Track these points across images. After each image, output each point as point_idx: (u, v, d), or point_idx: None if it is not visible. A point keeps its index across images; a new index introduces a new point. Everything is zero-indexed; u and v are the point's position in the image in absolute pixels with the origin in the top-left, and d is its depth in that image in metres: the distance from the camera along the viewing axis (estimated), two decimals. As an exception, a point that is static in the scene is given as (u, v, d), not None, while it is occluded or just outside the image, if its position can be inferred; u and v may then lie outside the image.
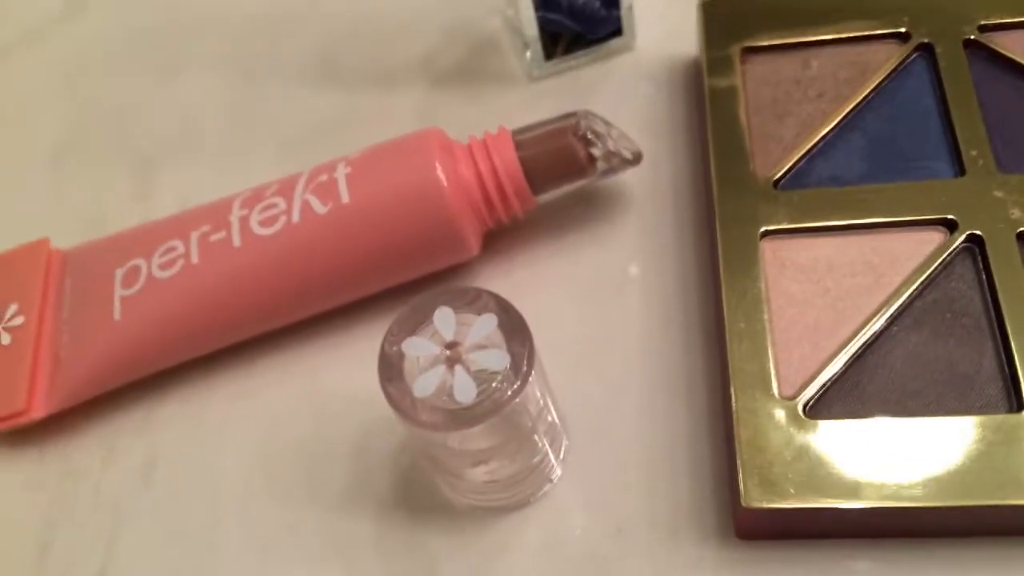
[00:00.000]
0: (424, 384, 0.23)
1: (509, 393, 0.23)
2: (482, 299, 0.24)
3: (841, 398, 0.25)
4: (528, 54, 0.35)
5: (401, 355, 0.23)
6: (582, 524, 0.27)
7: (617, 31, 0.35)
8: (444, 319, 0.24)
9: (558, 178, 0.30)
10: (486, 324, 0.24)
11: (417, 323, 0.24)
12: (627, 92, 0.35)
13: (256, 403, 0.30)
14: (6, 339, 0.31)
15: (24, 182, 0.39)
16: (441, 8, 0.39)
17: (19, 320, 0.32)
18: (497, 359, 0.23)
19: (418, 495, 0.28)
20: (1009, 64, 0.30)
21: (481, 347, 0.23)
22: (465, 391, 0.23)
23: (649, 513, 0.26)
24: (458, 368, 0.23)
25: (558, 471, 0.28)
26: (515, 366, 0.23)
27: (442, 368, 0.23)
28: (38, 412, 0.30)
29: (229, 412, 0.30)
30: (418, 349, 0.23)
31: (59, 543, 0.29)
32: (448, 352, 0.23)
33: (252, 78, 0.40)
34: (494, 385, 0.23)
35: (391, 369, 0.23)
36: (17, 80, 0.43)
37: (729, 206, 0.28)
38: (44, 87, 0.42)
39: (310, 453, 0.29)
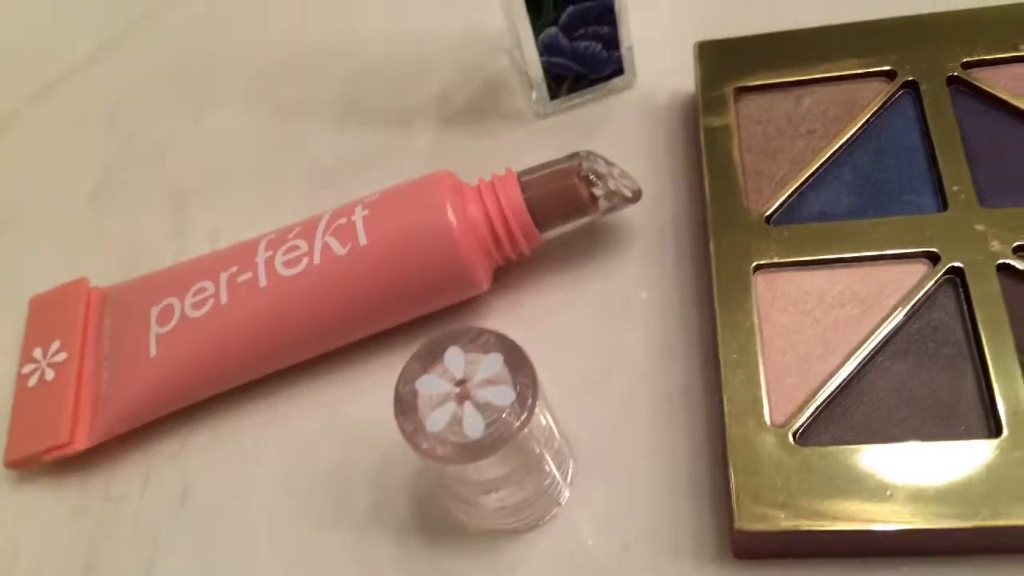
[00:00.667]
0: (436, 419, 0.25)
1: (516, 425, 0.25)
2: (484, 337, 0.26)
3: (829, 425, 0.27)
4: (534, 94, 0.37)
5: (415, 393, 0.25)
6: (589, 544, 0.28)
7: (618, 71, 0.37)
8: (454, 358, 0.26)
9: (562, 216, 0.32)
10: (493, 362, 0.25)
11: (429, 362, 0.26)
12: (628, 128, 0.37)
13: (283, 432, 0.32)
14: (50, 374, 0.34)
15: (63, 221, 0.41)
16: (454, 49, 0.41)
17: (62, 356, 0.34)
18: (504, 394, 0.25)
19: (435, 518, 0.30)
20: (991, 99, 0.31)
21: (489, 383, 0.25)
22: (474, 426, 0.24)
23: (652, 533, 0.28)
24: (467, 404, 0.25)
25: (566, 493, 0.29)
26: (521, 400, 0.25)
27: (453, 404, 0.25)
28: (81, 444, 0.32)
29: (258, 440, 0.32)
30: (430, 387, 0.25)
31: (103, 566, 0.31)
32: (458, 389, 0.25)
33: (279, 116, 0.42)
34: (502, 417, 0.25)
35: (405, 406, 0.25)
36: (55, 120, 0.45)
37: (724, 241, 0.30)
38: (81, 127, 0.44)
39: (334, 479, 0.31)
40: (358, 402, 0.32)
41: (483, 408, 0.25)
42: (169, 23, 0.48)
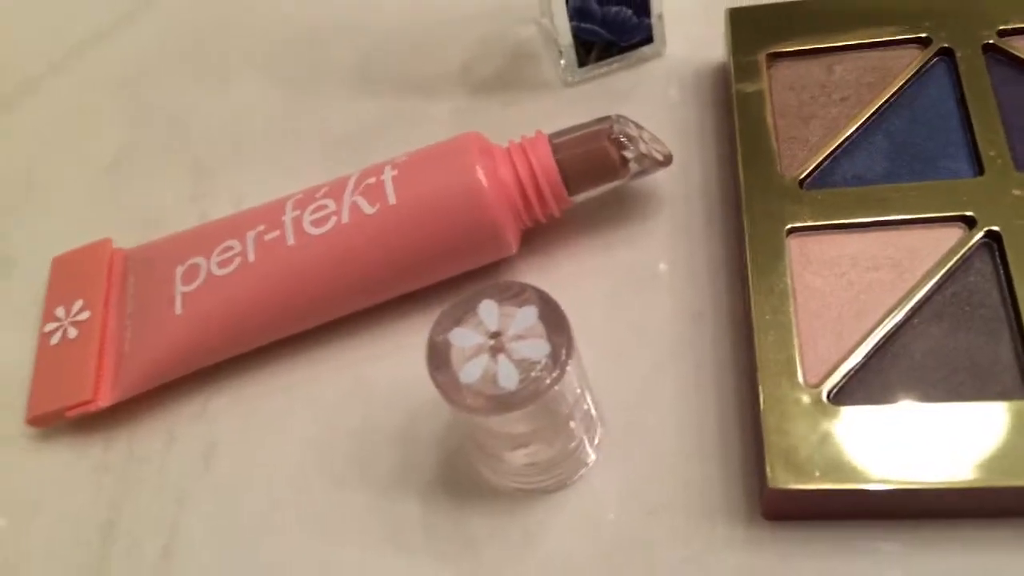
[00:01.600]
0: (470, 371, 0.25)
1: (548, 381, 0.24)
2: (525, 292, 0.25)
3: (864, 386, 0.26)
4: (562, 61, 0.37)
5: (448, 344, 0.25)
6: (617, 506, 0.28)
7: (648, 39, 0.37)
8: (488, 311, 0.25)
9: (592, 179, 0.31)
10: (528, 316, 0.25)
11: (463, 314, 0.26)
12: (658, 97, 0.37)
13: (308, 392, 0.32)
14: (73, 333, 0.33)
15: (85, 186, 0.41)
16: (479, 19, 0.41)
17: (85, 315, 0.34)
18: (538, 348, 0.25)
19: (462, 478, 0.29)
20: (1028, 67, 0.31)
21: (523, 337, 0.25)
22: (509, 378, 0.24)
23: (680, 496, 0.28)
24: (501, 356, 0.25)
25: (593, 456, 0.29)
26: (554, 355, 0.25)
27: (486, 356, 0.25)
28: (104, 401, 0.32)
29: (282, 401, 0.32)
30: (464, 339, 0.25)
31: (124, 522, 0.31)
32: (492, 341, 0.25)
33: (300, 86, 0.42)
34: (534, 373, 0.24)
35: (439, 357, 0.25)
36: (77, 89, 0.45)
37: (757, 205, 0.30)
38: (102, 95, 0.44)
39: (360, 439, 0.31)
40: (384, 364, 0.32)
41: (517, 361, 0.25)
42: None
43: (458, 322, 0.25)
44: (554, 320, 0.25)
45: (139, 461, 0.32)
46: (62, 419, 0.32)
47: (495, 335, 0.25)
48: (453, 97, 0.39)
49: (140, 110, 0.43)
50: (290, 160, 0.39)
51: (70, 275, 0.35)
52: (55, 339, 0.33)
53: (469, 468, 0.29)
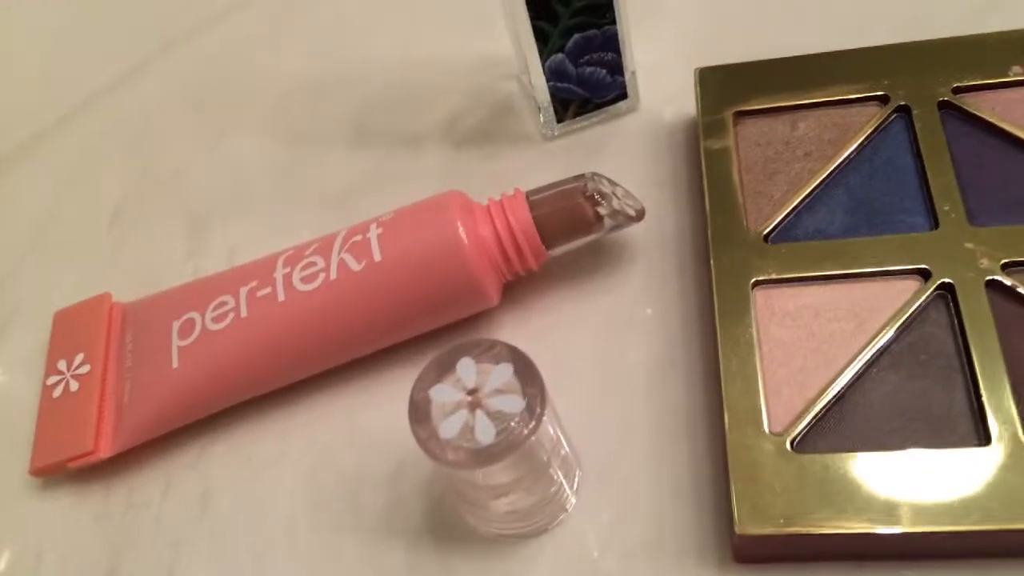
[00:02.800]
0: (449, 426, 0.26)
1: (525, 432, 0.26)
2: (497, 348, 0.27)
3: (825, 434, 0.28)
4: (541, 117, 0.39)
5: (428, 401, 0.27)
6: (595, 549, 0.29)
7: (622, 95, 0.39)
8: (466, 368, 0.27)
9: (568, 234, 0.33)
10: (503, 372, 0.27)
11: (442, 372, 0.27)
12: (632, 150, 0.38)
13: (300, 440, 0.34)
14: (74, 386, 0.35)
15: (85, 242, 0.42)
16: (464, 74, 0.43)
17: (85, 368, 0.35)
18: (513, 403, 0.26)
19: (447, 523, 0.31)
20: (980, 123, 0.33)
21: (499, 392, 0.26)
22: (485, 432, 0.26)
23: (655, 539, 0.29)
24: (479, 412, 0.26)
25: (573, 500, 0.30)
26: (530, 408, 0.26)
27: (465, 412, 0.26)
28: (105, 452, 0.33)
29: (275, 449, 0.34)
30: (443, 395, 0.27)
31: (125, 569, 0.32)
32: (470, 398, 0.26)
33: (293, 141, 0.43)
34: (511, 425, 0.26)
35: (420, 413, 0.26)
36: (77, 144, 0.47)
37: (724, 258, 0.31)
38: (103, 151, 0.46)
39: (349, 485, 0.32)
40: (373, 412, 0.34)
41: (494, 416, 0.26)
42: (187, 53, 0.49)
43: (438, 379, 0.27)
44: (527, 374, 0.26)
45: (138, 508, 0.33)
46: (64, 470, 0.34)
47: (472, 391, 0.26)
48: (439, 150, 0.41)
49: (139, 165, 0.45)
50: (282, 215, 0.41)
51: (71, 329, 0.37)
52: (57, 392, 0.35)
53: (454, 514, 0.31)
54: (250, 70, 0.47)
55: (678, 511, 0.29)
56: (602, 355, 0.33)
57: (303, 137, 0.43)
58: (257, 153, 0.43)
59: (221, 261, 0.39)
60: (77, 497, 0.34)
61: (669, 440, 0.31)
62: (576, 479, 0.31)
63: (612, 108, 0.39)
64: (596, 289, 0.35)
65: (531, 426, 0.26)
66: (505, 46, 0.39)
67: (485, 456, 0.26)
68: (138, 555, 0.32)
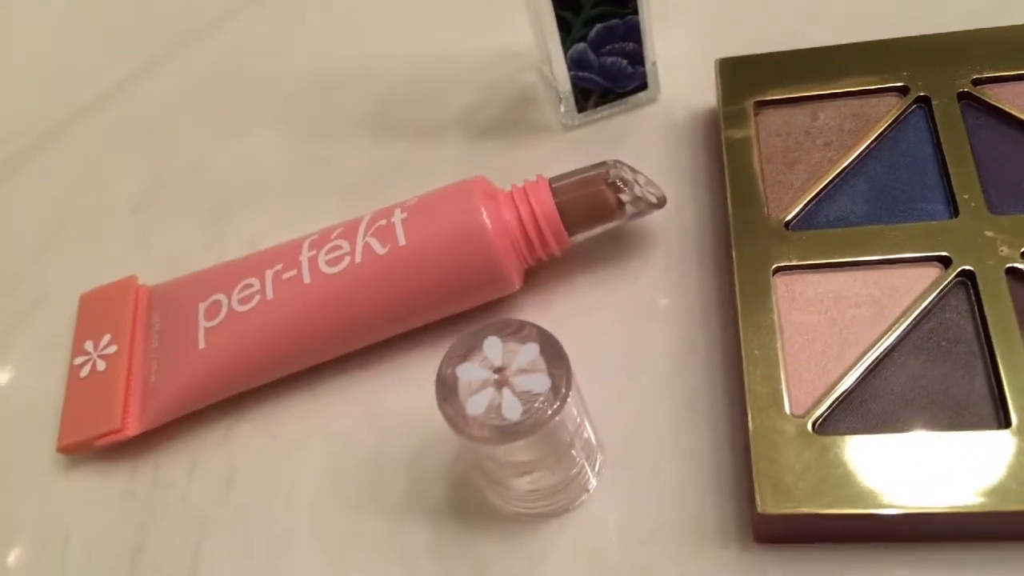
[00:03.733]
0: (476, 403, 0.26)
1: (550, 412, 0.26)
2: (526, 329, 0.27)
3: (846, 417, 0.28)
4: (562, 107, 0.39)
5: (456, 378, 0.27)
6: (616, 530, 0.30)
7: (643, 86, 0.39)
8: (493, 347, 0.27)
9: (591, 221, 0.33)
10: (530, 351, 0.27)
11: (469, 350, 0.27)
12: (652, 140, 0.39)
13: (323, 421, 0.34)
14: (101, 365, 0.35)
15: (109, 229, 0.43)
16: (484, 67, 0.43)
17: (112, 349, 0.36)
18: (539, 382, 0.26)
19: (469, 503, 0.31)
20: (999, 114, 0.33)
21: (525, 371, 0.27)
22: (512, 409, 0.26)
23: (677, 520, 0.29)
24: (505, 390, 0.26)
25: (594, 482, 0.31)
26: (555, 388, 0.26)
27: (491, 390, 0.27)
28: (132, 430, 0.34)
29: (299, 430, 0.34)
30: (470, 373, 0.27)
31: (151, 547, 0.33)
32: (496, 376, 0.27)
33: (312, 135, 0.44)
34: (536, 405, 0.26)
35: (447, 390, 0.27)
36: (100, 135, 0.47)
37: (745, 245, 0.32)
38: (127, 141, 0.46)
39: (372, 466, 0.33)
40: (396, 394, 0.34)
41: (520, 394, 0.26)
42: (204, 49, 0.50)
43: (465, 357, 0.27)
44: (554, 355, 0.27)
45: (164, 487, 0.34)
46: (91, 448, 0.34)
47: (499, 370, 0.27)
48: (460, 141, 0.41)
49: (162, 155, 0.45)
50: (303, 204, 0.41)
51: (98, 311, 0.37)
52: (84, 371, 0.35)
53: (476, 494, 0.31)
54: (267, 65, 0.48)
55: (699, 493, 0.30)
56: (623, 341, 0.34)
57: (322, 131, 0.44)
58: (276, 147, 0.44)
59: (244, 249, 0.40)
60: (104, 475, 0.35)
61: (689, 424, 0.31)
62: (598, 462, 0.31)
63: (632, 98, 0.39)
64: (617, 276, 0.35)
65: (556, 405, 0.26)
66: (523, 38, 0.40)
67: (511, 433, 0.26)
68: (164, 533, 0.33)
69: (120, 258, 0.41)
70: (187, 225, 0.42)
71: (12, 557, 0.33)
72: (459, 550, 0.30)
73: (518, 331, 0.27)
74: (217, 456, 0.34)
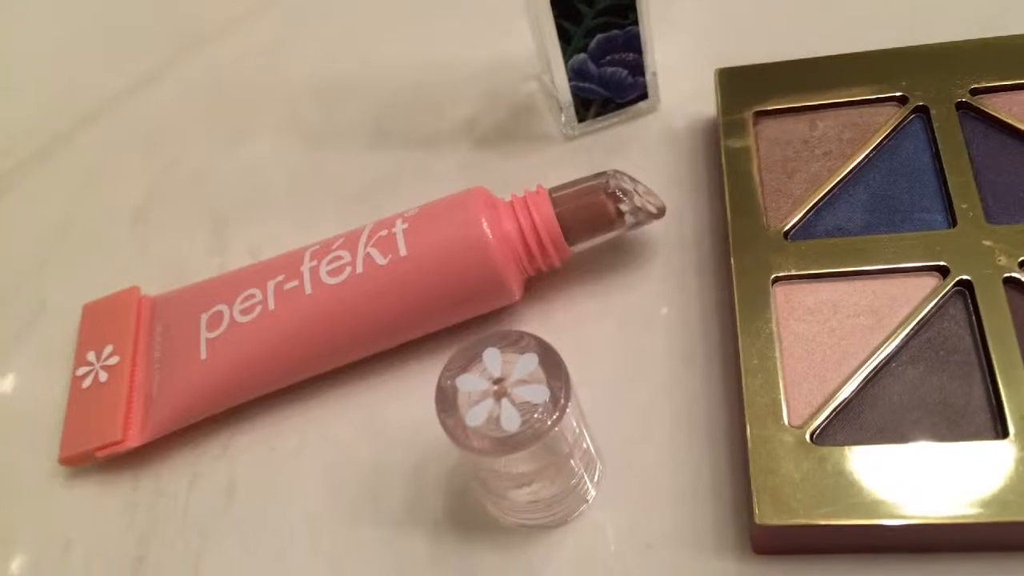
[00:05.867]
0: (475, 415, 0.26)
1: (549, 423, 0.26)
2: (525, 340, 0.27)
3: (845, 427, 0.28)
4: (563, 117, 0.39)
5: (455, 389, 0.27)
6: (615, 541, 0.30)
7: (643, 95, 0.39)
8: (492, 358, 0.27)
9: (590, 231, 0.34)
10: (529, 362, 0.27)
11: (468, 362, 0.27)
12: (653, 149, 0.39)
13: (323, 432, 0.34)
14: (103, 376, 0.36)
15: (110, 238, 0.43)
16: (484, 76, 0.44)
17: (115, 359, 0.36)
18: (538, 393, 0.27)
19: (468, 515, 0.31)
20: (998, 124, 0.33)
21: (524, 382, 0.27)
22: (511, 420, 0.26)
23: (675, 531, 0.29)
24: (504, 401, 0.27)
25: (593, 493, 0.31)
26: (554, 399, 0.26)
27: (491, 401, 0.27)
28: (133, 441, 0.34)
29: (299, 441, 0.34)
30: (469, 384, 0.27)
31: (152, 557, 0.33)
32: (496, 387, 0.27)
33: (312, 143, 0.44)
34: (535, 416, 0.26)
35: (447, 402, 0.27)
36: (97, 148, 0.47)
37: (744, 254, 0.32)
38: (128, 151, 0.47)
39: (371, 477, 0.33)
40: (396, 405, 0.34)
41: (519, 405, 0.26)
42: (205, 57, 0.50)
43: (464, 368, 0.27)
44: (553, 365, 0.27)
45: (165, 498, 0.34)
46: (93, 459, 0.34)
47: (499, 381, 0.27)
48: (460, 150, 0.42)
49: (164, 164, 0.45)
50: (305, 213, 0.41)
51: (100, 321, 0.38)
52: (87, 383, 0.35)
53: (475, 506, 0.31)
54: (268, 74, 0.48)
55: (697, 504, 0.30)
56: (622, 351, 0.34)
57: (323, 139, 0.44)
58: (277, 155, 0.44)
59: (245, 258, 0.40)
60: (105, 486, 0.35)
61: (688, 435, 0.31)
62: (597, 472, 0.31)
63: (632, 108, 0.40)
64: (616, 286, 0.35)
65: (555, 416, 0.26)
66: (522, 49, 0.40)
67: (510, 444, 0.26)
68: (165, 544, 0.33)
69: (122, 269, 0.41)
70: (189, 235, 0.42)
71: (13, 568, 0.33)
72: (458, 561, 0.30)
73: (517, 342, 0.27)
74: (217, 467, 0.34)
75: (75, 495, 0.35)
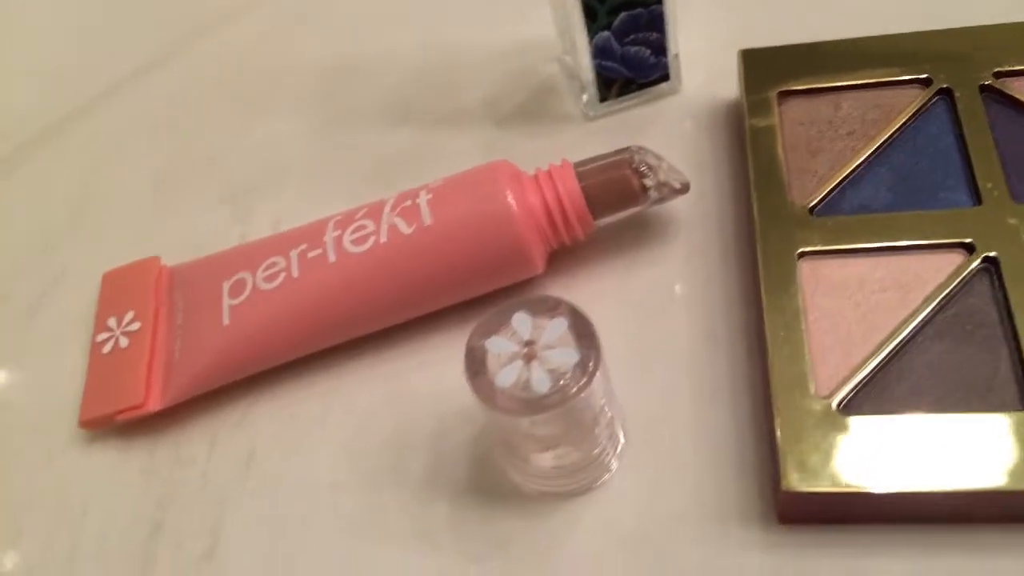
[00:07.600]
0: (505, 376, 0.27)
1: (577, 387, 0.26)
2: (560, 307, 0.27)
3: (871, 398, 0.28)
4: (584, 97, 0.39)
5: (485, 351, 0.27)
6: (638, 510, 0.30)
7: (665, 76, 0.39)
8: (521, 322, 0.27)
9: (614, 205, 0.34)
10: (558, 326, 0.27)
11: (498, 325, 0.28)
12: (674, 130, 0.39)
13: (344, 401, 0.34)
14: (124, 342, 0.35)
15: (130, 211, 0.43)
16: (505, 56, 0.44)
17: (136, 326, 0.36)
18: (568, 356, 0.27)
19: (490, 482, 0.31)
20: (1021, 107, 0.33)
21: (554, 346, 0.27)
22: (541, 382, 0.26)
23: (698, 502, 0.29)
24: (534, 363, 0.27)
25: (615, 463, 0.31)
26: (583, 364, 0.27)
27: (520, 363, 0.27)
28: (153, 406, 0.34)
29: (320, 409, 0.34)
30: (499, 347, 0.27)
31: (170, 523, 0.33)
32: (525, 350, 0.27)
33: (332, 123, 0.44)
34: (564, 380, 0.26)
35: (476, 363, 0.27)
36: (124, 118, 0.47)
37: (769, 230, 0.32)
38: (147, 125, 0.47)
39: (393, 445, 0.33)
40: (416, 374, 0.34)
41: (549, 368, 0.26)
42: (222, 38, 0.50)
43: (494, 331, 0.27)
44: (583, 332, 0.27)
45: (184, 465, 0.34)
46: (112, 423, 0.34)
47: (528, 344, 0.27)
48: (480, 130, 0.42)
49: (183, 139, 0.45)
50: (324, 190, 0.41)
51: (120, 289, 0.37)
52: (107, 348, 0.35)
53: (497, 473, 0.31)
54: (286, 54, 0.48)
55: (721, 476, 0.30)
56: (644, 325, 0.34)
57: (343, 118, 0.44)
58: (296, 134, 0.44)
59: (266, 230, 0.40)
60: (124, 451, 0.35)
61: (711, 408, 0.31)
62: (620, 443, 0.31)
63: (654, 90, 0.40)
64: (640, 261, 0.35)
65: (583, 381, 0.26)
66: (543, 30, 0.40)
67: (538, 405, 0.26)
68: (183, 510, 0.33)
69: (142, 240, 0.41)
70: (207, 209, 0.42)
71: (29, 530, 0.33)
72: (480, 528, 0.30)
73: (552, 308, 0.28)
74: (237, 434, 0.34)
75: (93, 461, 0.35)
